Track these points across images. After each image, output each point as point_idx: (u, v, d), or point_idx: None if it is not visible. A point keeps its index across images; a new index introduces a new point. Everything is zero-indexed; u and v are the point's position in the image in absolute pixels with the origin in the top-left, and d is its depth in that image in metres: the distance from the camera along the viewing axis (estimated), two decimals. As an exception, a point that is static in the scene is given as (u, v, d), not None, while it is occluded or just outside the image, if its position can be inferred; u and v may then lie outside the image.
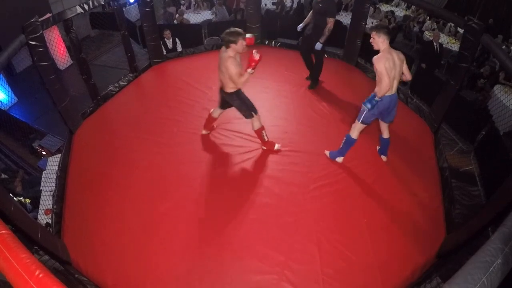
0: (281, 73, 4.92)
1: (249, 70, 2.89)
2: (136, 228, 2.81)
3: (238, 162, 3.41)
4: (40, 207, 3.37)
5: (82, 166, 3.45)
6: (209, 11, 8.23)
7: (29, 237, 2.20)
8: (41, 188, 3.52)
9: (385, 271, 2.52)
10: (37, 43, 3.12)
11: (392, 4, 9.58)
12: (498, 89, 5.52)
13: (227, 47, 2.87)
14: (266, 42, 5.77)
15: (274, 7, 8.55)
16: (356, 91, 4.57)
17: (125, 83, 4.74)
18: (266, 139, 3.42)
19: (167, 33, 5.47)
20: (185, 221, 2.86)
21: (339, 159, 3.40)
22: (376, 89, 2.76)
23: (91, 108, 4.20)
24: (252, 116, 3.21)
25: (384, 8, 9.11)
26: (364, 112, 2.95)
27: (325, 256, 2.60)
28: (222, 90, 3.19)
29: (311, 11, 4.29)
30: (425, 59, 5.80)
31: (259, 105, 4.19)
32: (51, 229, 2.91)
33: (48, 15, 4.15)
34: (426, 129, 3.95)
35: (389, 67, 2.70)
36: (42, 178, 3.60)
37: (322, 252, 2.62)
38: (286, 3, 8.86)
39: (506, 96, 5.14)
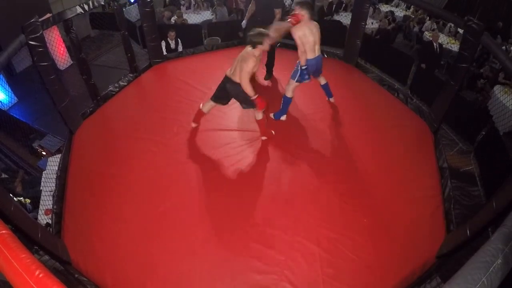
0: (281, 73, 4.92)
1: (258, 110, 3.27)
2: (136, 228, 2.81)
3: (238, 162, 3.41)
4: (40, 207, 3.37)
5: (82, 166, 3.45)
6: (209, 11, 8.23)
7: (29, 237, 2.20)
8: (41, 188, 3.52)
9: (385, 271, 2.52)
10: (37, 43, 3.11)
11: (392, 4, 9.58)
12: (498, 89, 5.52)
13: (254, 47, 3.03)
14: (278, 44, 5.75)
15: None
16: (356, 91, 4.57)
17: (125, 83, 4.73)
18: (266, 129, 3.61)
19: (172, 34, 5.48)
20: (185, 221, 2.86)
21: (283, 117, 3.85)
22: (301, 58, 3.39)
23: (91, 108, 4.20)
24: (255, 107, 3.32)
25: (384, 8, 9.11)
26: (298, 73, 3.52)
27: (325, 256, 2.60)
28: (228, 78, 3.24)
29: (254, 4, 4.33)
30: (425, 60, 5.80)
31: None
32: (51, 229, 2.91)
33: (48, 15, 4.16)
34: (426, 129, 3.95)
35: (305, 35, 3.30)
36: (42, 178, 3.60)
37: (322, 252, 2.62)
38: (285, 3, 8.85)
39: (506, 96, 5.14)
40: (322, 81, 3.95)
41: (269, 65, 4.69)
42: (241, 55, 3.12)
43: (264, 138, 3.64)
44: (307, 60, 3.42)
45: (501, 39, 7.24)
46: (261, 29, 3.03)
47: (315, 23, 3.45)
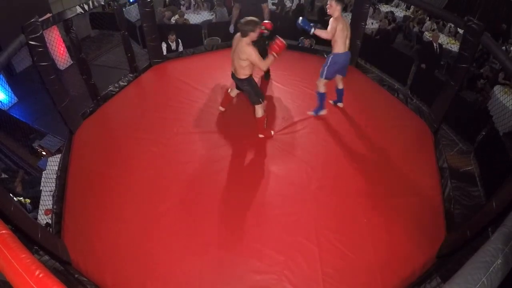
0: (281, 74, 4.92)
1: (274, 54, 3.14)
2: (136, 228, 2.81)
3: (238, 161, 3.42)
4: (40, 207, 3.37)
5: (82, 166, 3.45)
6: (209, 12, 8.23)
7: (29, 237, 2.20)
8: (41, 188, 3.52)
9: (385, 271, 2.52)
10: (37, 43, 3.11)
11: (392, 4, 9.58)
12: (498, 90, 5.52)
13: (245, 35, 3.07)
14: (266, 43, 5.75)
15: (274, 7, 8.54)
16: (356, 91, 4.57)
17: (125, 83, 4.73)
18: (265, 127, 3.67)
19: (172, 37, 5.52)
20: (185, 221, 2.86)
21: (323, 112, 3.98)
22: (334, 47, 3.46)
23: (91, 108, 4.19)
24: (260, 103, 3.40)
25: (384, 8, 9.11)
26: (325, 70, 3.61)
27: (325, 256, 2.60)
28: (234, 75, 3.37)
29: (237, 8, 4.41)
30: (425, 60, 5.80)
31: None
32: (51, 229, 2.91)
33: (48, 15, 4.15)
34: (426, 129, 3.95)
35: (341, 29, 3.34)
36: (42, 178, 3.60)
37: (322, 252, 2.62)
38: (286, 3, 8.86)
39: (506, 97, 5.14)
40: (340, 85, 3.96)
41: None
42: (235, 50, 3.18)
43: (261, 136, 3.66)
44: (335, 55, 3.48)
45: (502, 40, 7.24)
46: (254, 18, 3.10)
47: (346, 21, 3.52)
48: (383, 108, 4.28)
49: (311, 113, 4.00)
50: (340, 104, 4.15)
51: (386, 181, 3.25)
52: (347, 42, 3.48)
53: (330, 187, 3.16)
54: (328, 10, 3.40)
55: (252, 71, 3.29)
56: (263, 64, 3.16)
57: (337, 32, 3.35)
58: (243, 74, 3.25)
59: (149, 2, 4.59)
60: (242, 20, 3.08)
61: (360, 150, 3.58)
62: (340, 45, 3.43)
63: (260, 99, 3.38)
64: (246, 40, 3.06)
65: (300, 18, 3.42)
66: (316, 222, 2.84)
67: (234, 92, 3.83)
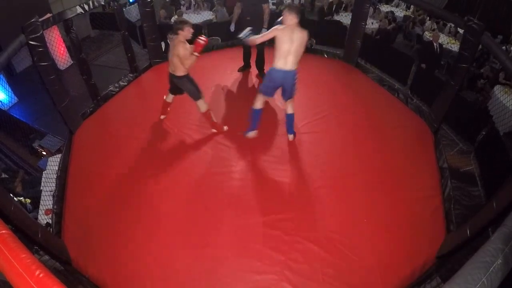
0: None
1: (195, 53, 3.26)
2: (136, 228, 2.81)
3: (238, 162, 3.42)
4: (40, 207, 3.37)
5: (82, 166, 3.45)
6: (209, 12, 8.23)
7: (29, 237, 2.20)
8: (41, 188, 3.51)
9: (385, 271, 2.52)
10: (37, 43, 3.12)
11: (392, 4, 9.57)
12: (498, 90, 5.51)
13: (176, 34, 3.26)
14: (266, 43, 5.75)
15: (274, 7, 8.54)
16: (356, 91, 4.57)
17: (125, 83, 4.74)
18: (215, 121, 3.72)
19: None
20: (185, 221, 2.87)
21: (253, 134, 3.55)
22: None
23: (91, 108, 4.20)
24: (200, 98, 3.51)
25: (384, 8, 9.10)
26: (263, 81, 3.25)
27: (325, 256, 2.60)
28: (172, 74, 3.46)
29: (239, 7, 4.43)
30: (425, 60, 5.79)
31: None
32: (51, 229, 2.91)
33: (48, 15, 4.15)
34: (426, 129, 3.95)
35: (284, 40, 2.89)
36: (42, 178, 3.59)
37: (322, 252, 2.62)
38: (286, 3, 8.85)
39: (506, 97, 5.14)
40: (289, 109, 3.38)
41: (259, 64, 4.72)
42: (170, 48, 3.34)
43: (214, 131, 3.74)
44: (271, 69, 3.04)
45: (502, 40, 7.23)
46: (182, 18, 3.24)
47: (304, 32, 2.99)
48: (383, 108, 4.28)
49: (242, 133, 3.60)
50: (290, 136, 3.55)
51: (386, 180, 3.25)
52: (291, 59, 2.96)
53: (330, 187, 3.16)
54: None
55: (188, 68, 3.41)
56: (186, 63, 3.25)
57: (276, 43, 2.91)
58: (181, 71, 3.36)
59: (149, 2, 4.59)
60: (176, 19, 3.19)
61: (360, 150, 3.58)
62: (277, 59, 2.97)
63: (200, 94, 3.51)
64: (178, 38, 3.24)
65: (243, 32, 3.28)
66: (316, 222, 2.84)
67: (170, 98, 3.82)
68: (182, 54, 3.21)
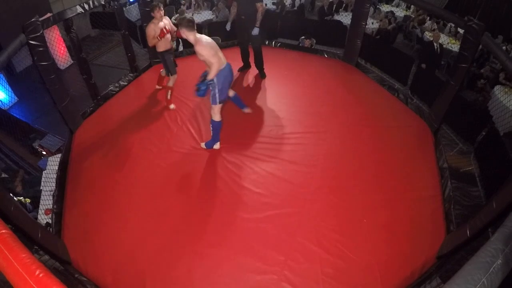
0: (281, 73, 4.92)
1: (159, 37, 3.78)
2: (136, 228, 2.81)
3: (239, 162, 3.41)
4: (40, 207, 3.37)
5: (82, 166, 3.45)
6: (210, 11, 8.22)
7: (29, 237, 2.20)
8: (41, 188, 3.51)
9: (385, 271, 2.52)
10: (37, 43, 3.12)
11: (393, 4, 9.57)
12: (498, 90, 5.51)
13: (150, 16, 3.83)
14: (266, 42, 5.76)
15: (274, 7, 8.54)
16: (356, 91, 4.57)
17: (126, 83, 4.74)
18: (169, 98, 4.15)
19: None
20: (185, 221, 2.87)
21: (216, 146, 3.52)
22: (209, 72, 3.01)
23: (91, 108, 4.20)
24: (171, 75, 4.06)
25: (384, 8, 9.11)
26: (216, 94, 3.10)
27: (325, 256, 2.60)
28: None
29: (235, 6, 4.46)
30: (425, 60, 5.79)
31: (259, 105, 4.23)
32: (51, 229, 2.91)
33: (49, 14, 4.14)
34: (426, 129, 3.95)
35: (210, 48, 2.95)
36: (42, 178, 3.59)
37: (322, 252, 2.62)
38: (286, 3, 8.85)
39: (506, 97, 5.14)
40: (231, 93, 3.47)
41: (259, 65, 4.74)
42: None
43: (172, 107, 4.17)
44: (222, 69, 3.06)
45: (502, 39, 7.23)
46: (154, 2, 3.79)
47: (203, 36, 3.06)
48: (383, 108, 4.28)
49: (202, 145, 3.56)
50: (246, 109, 3.73)
51: (386, 180, 3.25)
52: (220, 54, 3.07)
53: (330, 187, 3.16)
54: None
55: (165, 47, 3.91)
56: (149, 40, 3.79)
57: (211, 51, 2.94)
58: (159, 48, 3.91)
59: (149, 1, 4.58)
60: (175, 17, 3.48)
61: (360, 150, 3.58)
62: (219, 58, 3.01)
63: (171, 71, 4.02)
64: (152, 19, 3.78)
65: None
66: (316, 222, 2.84)
67: (163, 72, 4.31)
68: (147, 33, 3.77)
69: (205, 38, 3.01)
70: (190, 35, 2.94)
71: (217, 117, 3.27)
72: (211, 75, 2.98)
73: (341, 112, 4.13)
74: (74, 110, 3.89)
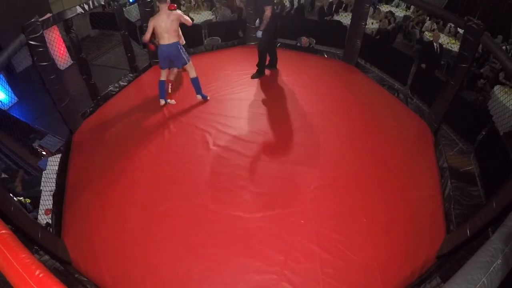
0: (281, 73, 4.93)
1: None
2: (136, 228, 2.81)
3: (239, 161, 3.41)
4: (40, 207, 3.37)
5: (82, 166, 3.45)
6: (209, 12, 8.22)
7: (29, 237, 2.20)
8: (41, 188, 3.52)
9: (385, 271, 2.52)
10: (37, 43, 3.12)
11: (392, 4, 9.57)
12: (498, 89, 5.51)
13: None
14: (278, 45, 5.75)
15: (274, 7, 8.54)
16: (356, 91, 4.58)
17: (125, 83, 4.74)
18: (170, 92, 4.38)
19: None
20: (185, 221, 2.86)
21: (162, 101, 4.21)
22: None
23: (91, 108, 4.20)
24: (161, 69, 4.13)
25: (384, 8, 9.10)
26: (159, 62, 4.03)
27: (325, 256, 2.60)
28: None
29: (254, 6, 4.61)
30: (425, 60, 5.79)
31: (259, 105, 4.23)
32: (51, 229, 2.91)
33: (48, 15, 4.14)
34: (426, 129, 3.95)
35: (159, 24, 3.68)
36: (42, 178, 3.59)
37: (322, 252, 2.62)
38: (286, 3, 8.86)
39: (506, 97, 5.14)
40: (191, 74, 4.14)
41: (272, 60, 4.90)
42: None
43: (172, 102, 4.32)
44: (159, 47, 3.84)
45: (502, 39, 7.23)
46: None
47: (175, 14, 3.71)
48: (383, 108, 4.28)
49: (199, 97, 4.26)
50: (198, 97, 4.26)
51: (386, 181, 3.25)
52: (167, 36, 3.73)
53: (330, 187, 3.16)
54: None
55: (155, 37, 3.91)
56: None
57: (155, 28, 3.70)
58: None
59: (149, 2, 4.59)
60: None
61: (360, 150, 3.58)
62: (160, 38, 3.77)
63: (161, 66, 4.12)
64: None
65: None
66: (316, 222, 2.84)
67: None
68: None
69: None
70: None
71: (161, 77, 4.16)
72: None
73: (341, 112, 4.13)
74: (74, 110, 3.89)
